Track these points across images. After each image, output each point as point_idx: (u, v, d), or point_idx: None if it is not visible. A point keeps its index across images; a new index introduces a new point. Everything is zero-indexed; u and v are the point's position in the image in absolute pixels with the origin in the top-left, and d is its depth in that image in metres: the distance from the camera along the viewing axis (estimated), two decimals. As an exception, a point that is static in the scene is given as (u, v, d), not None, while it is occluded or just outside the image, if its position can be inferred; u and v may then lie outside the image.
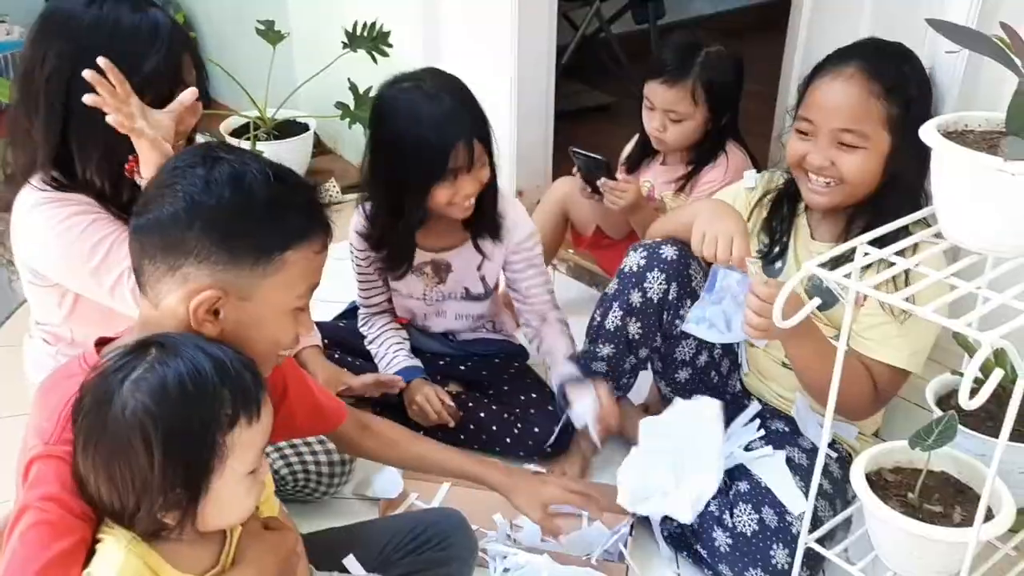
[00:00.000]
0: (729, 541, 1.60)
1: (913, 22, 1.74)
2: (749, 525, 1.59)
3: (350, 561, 1.37)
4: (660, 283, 1.71)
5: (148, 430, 0.98)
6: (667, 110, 2.05)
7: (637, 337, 1.76)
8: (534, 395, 2.00)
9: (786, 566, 1.55)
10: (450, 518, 1.49)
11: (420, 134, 1.70)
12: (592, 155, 2.02)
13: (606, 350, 1.78)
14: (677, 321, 1.75)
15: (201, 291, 1.08)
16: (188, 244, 1.07)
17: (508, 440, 1.92)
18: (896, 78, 1.53)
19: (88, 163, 1.47)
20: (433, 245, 1.93)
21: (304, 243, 1.12)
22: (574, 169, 2.13)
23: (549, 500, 1.52)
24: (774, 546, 1.56)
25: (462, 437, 1.94)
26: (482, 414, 1.95)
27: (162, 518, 1.01)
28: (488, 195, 1.84)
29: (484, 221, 1.89)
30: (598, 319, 1.79)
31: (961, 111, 1.17)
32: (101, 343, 1.15)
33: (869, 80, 1.52)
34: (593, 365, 1.80)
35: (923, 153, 1.26)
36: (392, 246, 1.89)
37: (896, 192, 1.54)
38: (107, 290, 1.47)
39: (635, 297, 1.72)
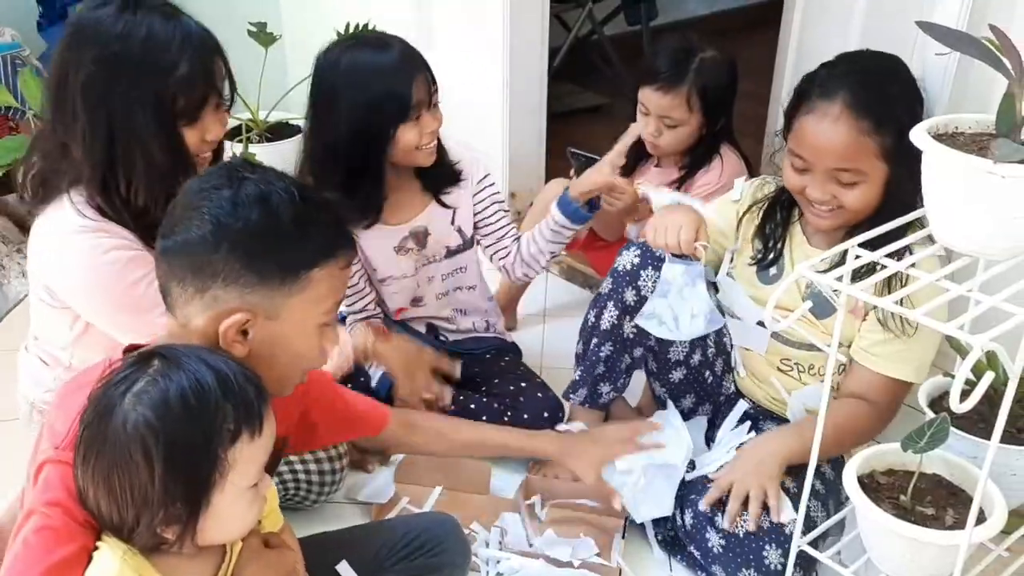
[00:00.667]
0: (722, 542, 1.59)
1: (903, 24, 1.74)
2: (741, 526, 1.59)
3: (343, 567, 1.36)
4: (654, 281, 1.70)
5: (149, 444, 0.97)
6: (662, 116, 2.05)
7: (632, 336, 1.75)
8: (523, 384, 2.01)
9: (779, 566, 1.54)
10: (443, 523, 1.48)
11: (380, 77, 1.74)
12: (591, 156, 2.01)
13: (603, 350, 1.77)
14: None
15: (230, 313, 1.09)
16: (216, 266, 1.08)
17: None
18: (885, 108, 1.47)
19: (134, 175, 1.45)
20: (404, 218, 1.94)
21: (330, 260, 1.14)
22: (572, 172, 2.13)
23: (602, 460, 1.61)
24: (767, 547, 1.56)
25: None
26: (472, 405, 1.96)
27: (162, 532, 1.01)
28: (440, 145, 1.88)
29: (441, 172, 1.92)
30: (592, 319, 1.79)
31: (951, 113, 1.17)
32: (129, 351, 1.13)
33: (858, 119, 1.47)
34: (595, 368, 1.79)
35: (920, 169, 1.25)
36: (359, 197, 1.86)
37: (896, 202, 1.53)
38: (124, 330, 1.46)
39: (629, 295, 1.72)
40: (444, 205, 1.97)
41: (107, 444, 0.98)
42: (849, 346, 1.65)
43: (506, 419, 1.93)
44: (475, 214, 2.00)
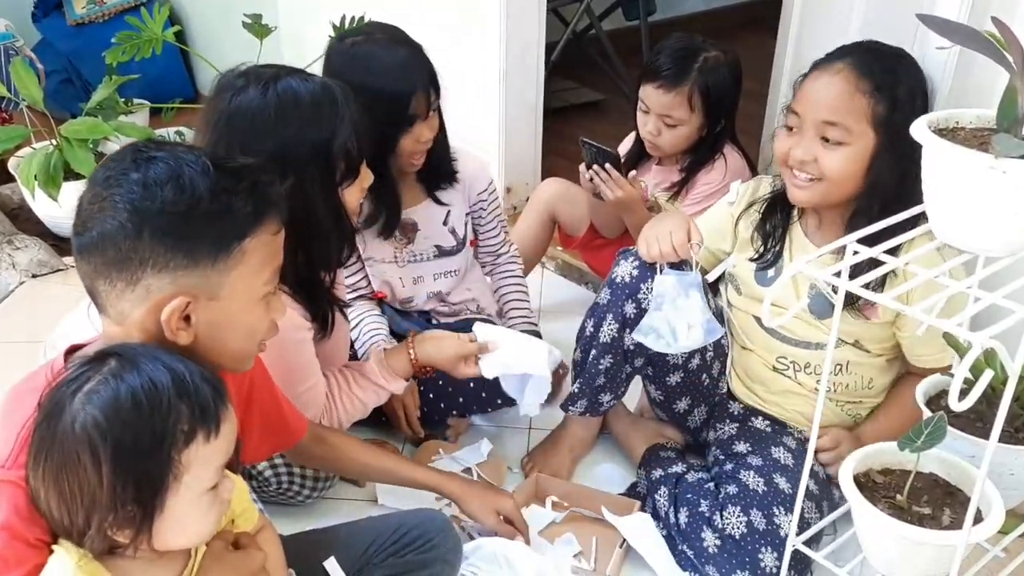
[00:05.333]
0: (717, 542, 1.59)
1: (904, 17, 1.73)
2: (737, 527, 1.58)
3: (330, 564, 1.35)
4: None
5: (96, 444, 0.94)
6: (662, 115, 2.03)
7: (632, 348, 1.72)
8: None
9: (774, 569, 1.54)
10: (434, 520, 1.47)
11: (383, 84, 1.72)
12: (603, 147, 1.98)
13: (603, 362, 1.74)
14: None
15: (169, 301, 1.04)
16: (142, 254, 1.03)
17: (475, 405, 1.95)
18: (885, 77, 1.52)
19: (301, 247, 1.43)
20: None
21: (260, 227, 1.09)
22: (583, 159, 2.09)
23: (501, 509, 1.63)
24: (762, 549, 1.55)
25: (432, 396, 1.94)
26: (453, 384, 1.94)
27: (113, 535, 0.97)
28: (439, 146, 1.87)
29: (439, 172, 1.93)
30: (591, 330, 1.74)
31: (952, 108, 1.16)
32: (72, 351, 1.10)
33: (858, 77, 1.52)
34: (595, 380, 1.76)
35: (908, 155, 1.23)
36: (379, 205, 1.88)
37: (877, 186, 1.53)
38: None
39: (629, 308, 1.68)
40: (438, 202, 1.97)
41: (56, 444, 0.95)
42: (852, 343, 1.63)
43: (484, 395, 1.93)
44: (473, 219, 2.02)
